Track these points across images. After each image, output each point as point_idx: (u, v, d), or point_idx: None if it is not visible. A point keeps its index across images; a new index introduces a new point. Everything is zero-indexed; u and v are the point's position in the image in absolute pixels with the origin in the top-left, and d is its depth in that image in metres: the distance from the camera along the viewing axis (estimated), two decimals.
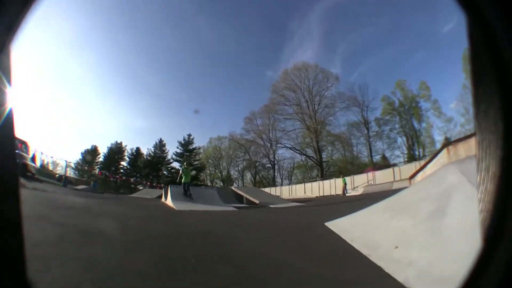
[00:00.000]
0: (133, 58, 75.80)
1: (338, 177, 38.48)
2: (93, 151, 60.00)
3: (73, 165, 47.45)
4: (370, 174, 36.83)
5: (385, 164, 45.54)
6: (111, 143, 60.83)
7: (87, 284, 2.59)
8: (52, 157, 40.22)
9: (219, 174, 67.02)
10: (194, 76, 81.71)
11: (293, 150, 61.39)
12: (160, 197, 19.84)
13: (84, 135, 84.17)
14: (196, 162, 59.99)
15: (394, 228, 4.11)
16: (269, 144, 62.93)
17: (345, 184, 32.42)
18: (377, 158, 52.91)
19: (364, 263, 3.46)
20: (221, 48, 78.14)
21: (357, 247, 4.15)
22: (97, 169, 51.92)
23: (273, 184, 58.52)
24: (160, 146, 61.93)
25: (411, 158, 45.11)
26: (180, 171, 15.89)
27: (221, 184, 62.28)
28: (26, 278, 0.82)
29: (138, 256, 3.66)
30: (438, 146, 37.01)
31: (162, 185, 33.80)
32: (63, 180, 26.50)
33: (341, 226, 5.68)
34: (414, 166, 29.19)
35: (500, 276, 0.75)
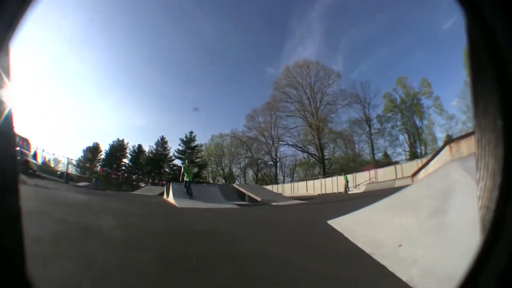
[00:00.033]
0: (134, 56, 76.14)
1: (340, 174, 38.40)
2: (95, 148, 60.29)
3: (74, 162, 47.68)
4: (372, 171, 36.78)
5: (386, 161, 45.53)
6: (113, 140, 61.15)
7: (87, 282, 2.57)
8: (53, 154, 40.50)
9: (221, 172, 67.18)
10: (196, 74, 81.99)
11: (295, 147, 61.48)
12: (162, 194, 19.87)
13: (86, 132, 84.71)
14: (198, 160, 60.07)
15: (398, 226, 4.07)
16: (271, 142, 63.04)
17: (347, 181, 32.38)
18: (379, 155, 52.95)
19: (367, 261, 3.42)
20: (222, 45, 78.41)
21: (360, 245, 4.11)
22: (99, 166, 52.12)
23: (275, 181, 58.67)
24: (162, 143, 62.12)
25: (413, 155, 45.12)
26: (182, 169, 15.70)
27: (223, 181, 62.43)
28: (25, 276, 0.81)
29: (138, 254, 3.64)
30: (440, 143, 37.09)
31: (164, 182, 33.87)
32: (65, 177, 26.69)
33: (343, 224, 5.65)
34: (416, 163, 29.18)
35: (499, 273, 0.75)
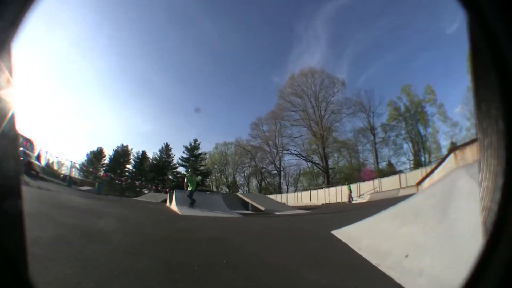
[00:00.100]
0: (139, 61, 76.60)
1: (344, 184, 38.20)
2: (99, 153, 60.51)
3: (78, 166, 47.84)
4: (376, 181, 36.57)
5: (391, 170, 45.31)
6: (117, 146, 61.40)
7: (86, 285, 2.52)
8: (57, 157, 40.66)
9: (225, 180, 66.99)
10: (201, 81, 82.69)
11: (299, 156, 61.22)
12: (165, 201, 19.83)
13: (90, 136, 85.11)
14: (202, 168, 60.08)
15: (404, 236, 3.99)
16: (275, 151, 62.84)
17: (350, 191, 32.18)
18: (383, 164, 52.61)
19: (373, 273, 3.35)
20: (228, 53, 78.89)
21: (365, 256, 4.04)
22: (102, 171, 52.18)
23: (279, 191, 58.35)
24: (166, 150, 62.28)
25: (417, 164, 44.74)
26: (186, 179, 15.58)
27: (227, 190, 62.22)
28: (26, 277, 0.81)
29: (137, 261, 3.58)
30: (444, 151, 36.88)
31: (167, 189, 33.83)
32: (68, 180, 26.72)
33: (348, 234, 5.57)
34: (420, 172, 28.99)
35: (501, 274, 0.74)
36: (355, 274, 3.46)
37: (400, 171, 40.67)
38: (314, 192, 45.34)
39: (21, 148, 16.61)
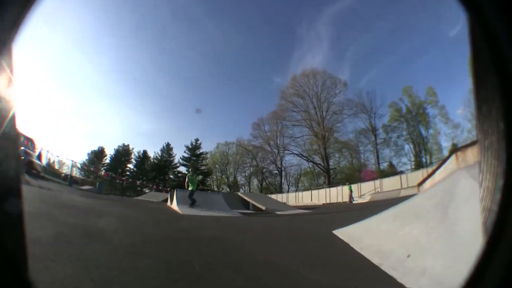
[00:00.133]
0: (141, 61, 76.65)
1: (345, 184, 38.16)
2: (100, 152, 60.57)
3: (79, 165, 47.86)
4: (377, 181, 36.53)
5: (392, 171, 45.28)
6: (118, 145, 61.44)
7: (87, 284, 2.52)
8: (58, 156, 40.69)
9: (226, 180, 67.04)
10: (203, 81, 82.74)
11: (300, 156, 61.21)
12: (166, 200, 19.84)
13: (91, 136, 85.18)
14: (203, 167, 60.08)
15: (405, 236, 3.98)
16: (276, 151, 62.86)
17: (351, 191, 32.15)
18: (384, 165, 52.55)
19: (375, 272, 3.33)
20: (229, 54, 78.72)
21: (367, 255, 4.03)
22: (104, 171, 52.19)
23: (280, 190, 58.34)
24: (167, 149, 62.29)
25: (418, 165, 44.70)
26: (186, 179, 15.40)
27: (228, 189, 62.22)
28: (26, 276, 0.80)
29: (138, 261, 3.57)
30: (445, 152, 36.74)
31: (168, 189, 33.82)
32: (69, 180, 26.73)
33: (349, 234, 5.56)
34: (421, 173, 28.95)
35: (501, 274, 0.74)
36: (357, 274, 3.44)
37: (401, 172, 40.69)
38: (315, 192, 45.33)
39: (22, 148, 16.66)
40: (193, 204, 14.06)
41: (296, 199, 45.68)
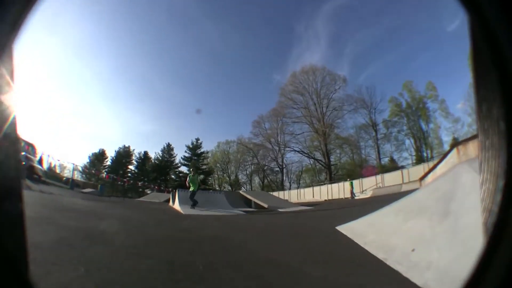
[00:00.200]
0: (139, 62, 76.66)
1: (346, 180, 38.20)
2: (101, 155, 60.77)
3: (80, 168, 47.97)
4: (378, 176, 36.55)
5: (393, 166, 45.31)
6: (119, 147, 61.61)
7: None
8: (59, 160, 40.83)
9: (227, 178, 67.20)
10: (202, 80, 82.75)
11: (301, 153, 61.38)
12: (168, 201, 19.86)
13: (92, 138, 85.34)
14: (204, 167, 60.13)
15: (409, 230, 3.96)
16: (277, 148, 63.04)
17: (352, 187, 32.16)
18: (385, 160, 52.63)
19: (380, 267, 3.32)
20: (228, 52, 78.96)
21: (371, 251, 4.01)
22: (105, 173, 52.30)
23: (281, 188, 58.57)
24: (168, 150, 62.43)
25: (419, 160, 44.79)
26: (188, 179, 15.12)
27: (229, 188, 62.30)
28: (27, 279, 0.80)
29: (140, 262, 3.55)
30: (446, 147, 36.89)
31: (170, 189, 33.87)
32: (70, 183, 26.83)
33: (353, 229, 5.54)
34: (423, 168, 29.01)
35: (501, 276, 0.74)
36: (361, 269, 3.43)
37: (402, 167, 40.77)
38: (316, 188, 45.40)
39: (23, 153, 16.65)
40: (194, 205, 13.92)
41: (298, 196, 45.77)
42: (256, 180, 66.50)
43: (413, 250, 3.29)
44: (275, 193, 40.97)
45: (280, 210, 15.98)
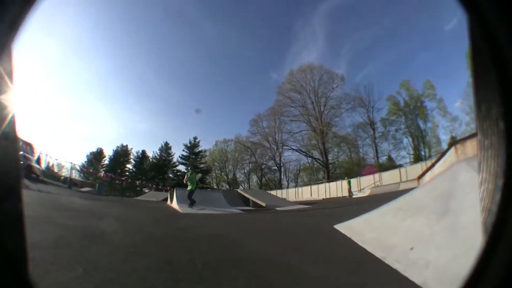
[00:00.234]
0: (137, 61, 76.43)
1: (344, 179, 38.31)
2: (99, 154, 60.59)
3: (78, 168, 47.88)
4: (376, 175, 36.62)
5: (390, 165, 45.43)
6: (117, 146, 61.47)
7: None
8: (57, 159, 40.68)
9: (225, 177, 67.22)
10: (199, 79, 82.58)
11: (299, 152, 61.44)
12: (166, 200, 19.84)
13: (89, 137, 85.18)
14: (202, 165, 60.07)
15: (408, 229, 3.97)
16: (275, 147, 63.13)
17: (350, 186, 32.21)
18: (383, 159, 52.74)
19: (379, 266, 3.32)
20: (225, 51, 78.86)
21: (370, 249, 4.02)
22: (103, 172, 52.18)
23: (279, 186, 58.56)
24: (166, 149, 62.32)
25: (417, 158, 44.88)
26: (185, 178, 14.94)
27: (227, 187, 62.31)
28: (27, 278, 0.82)
29: (138, 261, 3.54)
30: (444, 145, 37.03)
31: (168, 188, 33.84)
32: (68, 182, 26.86)
33: (350, 228, 5.55)
34: (420, 166, 29.10)
35: (500, 275, 0.75)
36: (361, 267, 3.43)
37: (400, 165, 40.96)
38: (314, 187, 45.45)
39: (21, 152, 16.61)
40: (192, 204, 13.78)
41: (295, 195, 45.80)
42: (254, 178, 66.65)
43: (411, 248, 3.30)
44: (273, 192, 41.06)
45: (278, 208, 15.97)
